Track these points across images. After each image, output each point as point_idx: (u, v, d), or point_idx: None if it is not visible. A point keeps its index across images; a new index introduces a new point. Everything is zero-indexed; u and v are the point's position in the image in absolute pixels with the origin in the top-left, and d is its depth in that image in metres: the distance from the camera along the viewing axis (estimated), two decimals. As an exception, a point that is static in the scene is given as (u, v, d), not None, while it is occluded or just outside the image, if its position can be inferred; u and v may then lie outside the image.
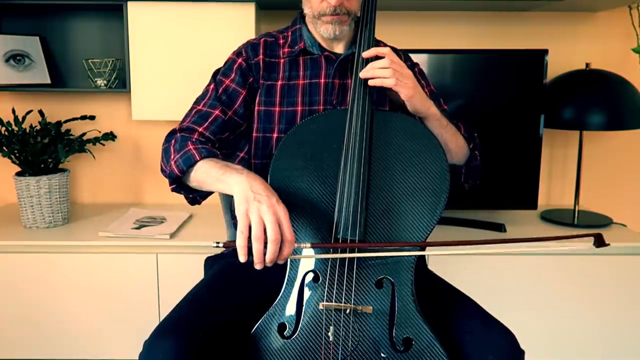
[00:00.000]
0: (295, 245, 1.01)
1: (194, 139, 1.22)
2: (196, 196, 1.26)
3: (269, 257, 0.98)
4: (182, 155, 1.17)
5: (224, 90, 1.30)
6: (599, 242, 1.05)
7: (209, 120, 1.27)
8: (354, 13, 1.27)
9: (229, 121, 1.29)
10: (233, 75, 1.31)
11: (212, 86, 1.32)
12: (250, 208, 0.99)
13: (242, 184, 1.03)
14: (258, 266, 0.98)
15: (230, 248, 1.00)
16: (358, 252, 1.09)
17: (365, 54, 1.21)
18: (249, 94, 1.32)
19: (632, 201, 2.37)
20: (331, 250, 1.10)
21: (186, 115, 1.30)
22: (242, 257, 0.97)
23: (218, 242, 1.03)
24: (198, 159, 1.16)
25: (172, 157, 1.20)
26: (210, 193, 1.24)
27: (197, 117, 1.27)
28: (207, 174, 1.13)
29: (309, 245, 1.06)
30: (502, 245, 1.09)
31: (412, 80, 1.19)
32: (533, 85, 2.03)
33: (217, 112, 1.28)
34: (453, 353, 1.08)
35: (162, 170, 1.25)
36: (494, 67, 2.06)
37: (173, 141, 1.23)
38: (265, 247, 0.98)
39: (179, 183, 1.23)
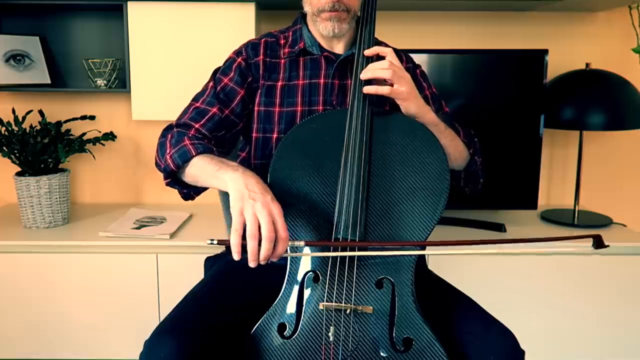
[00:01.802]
0: (290, 243, 1.01)
1: (190, 135, 1.22)
2: (190, 191, 1.26)
3: (263, 254, 0.97)
4: (178, 150, 1.18)
5: (222, 89, 1.31)
6: (598, 243, 1.05)
7: (206, 117, 1.27)
8: (353, 10, 1.27)
9: (226, 119, 1.29)
10: (232, 74, 1.32)
11: (210, 84, 1.33)
12: (245, 206, 0.99)
13: (237, 181, 1.04)
14: (252, 264, 0.98)
15: (224, 245, 1.00)
16: (354, 250, 1.08)
17: (367, 52, 1.21)
18: (248, 94, 1.32)
19: (632, 201, 2.37)
20: (331, 248, 1.10)
21: (184, 112, 1.30)
22: (235, 255, 0.97)
23: (212, 240, 1.03)
24: (194, 154, 1.16)
25: (167, 151, 1.20)
26: (204, 189, 1.24)
27: (195, 114, 1.28)
28: (202, 169, 1.14)
29: (302, 243, 1.06)
30: (501, 245, 1.09)
31: (409, 85, 1.19)
32: (533, 85, 2.03)
33: (214, 109, 1.28)
34: (453, 353, 1.08)
35: (157, 164, 1.25)
36: (494, 67, 2.06)
37: (169, 136, 1.23)
38: (259, 245, 0.98)
39: (173, 178, 1.23)
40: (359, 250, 1.09)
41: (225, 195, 1.60)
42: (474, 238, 1.91)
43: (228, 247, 0.98)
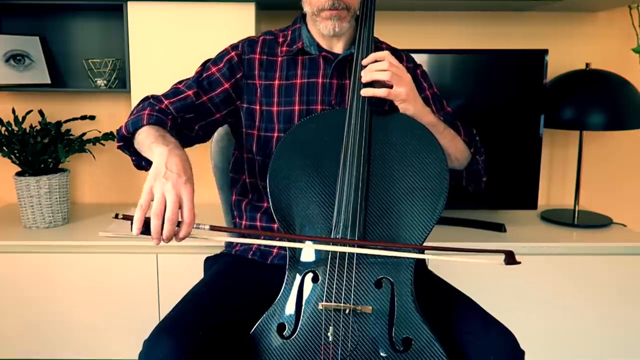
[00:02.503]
0: (195, 225, 1.00)
1: (156, 107, 1.24)
2: (141, 161, 1.27)
3: (165, 234, 0.97)
4: (135, 117, 1.21)
5: (208, 77, 1.33)
6: (509, 259, 1.03)
7: (179, 97, 1.29)
8: (353, 8, 1.27)
9: (200, 105, 1.31)
10: (221, 65, 1.34)
11: (198, 69, 1.36)
12: (156, 184, 1.00)
13: (160, 157, 1.04)
14: (154, 242, 0.98)
15: (128, 220, 0.99)
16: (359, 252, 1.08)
17: (365, 62, 1.21)
18: (234, 89, 1.33)
19: (632, 201, 2.37)
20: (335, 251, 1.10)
21: (167, 90, 1.33)
22: (135, 230, 0.97)
23: (117, 214, 1.03)
24: (144, 123, 1.18)
25: (129, 117, 1.23)
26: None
27: (171, 92, 1.31)
28: (144, 139, 1.15)
29: (207, 227, 1.03)
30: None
31: (408, 87, 1.19)
32: (533, 85, 2.03)
33: (189, 92, 1.30)
34: (453, 353, 1.08)
35: (119, 128, 1.27)
36: (494, 67, 2.06)
37: (140, 105, 1.27)
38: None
39: (126, 143, 1.24)
40: (355, 247, 1.08)
41: (225, 196, 1.61)
42: (474, 238, 1.94)
43: (132, 223, 0.98)
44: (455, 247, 1.04)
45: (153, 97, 1.30)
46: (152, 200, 0.99)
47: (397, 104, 1.19)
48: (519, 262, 1.03)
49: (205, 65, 1.36)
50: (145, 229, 0.97)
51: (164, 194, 0.98)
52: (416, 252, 1.08)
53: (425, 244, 1.10)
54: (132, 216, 0.98)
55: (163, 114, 1.23)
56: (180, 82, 1.35)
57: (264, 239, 1.28)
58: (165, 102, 1.28)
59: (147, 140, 1.13)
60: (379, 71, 1.17)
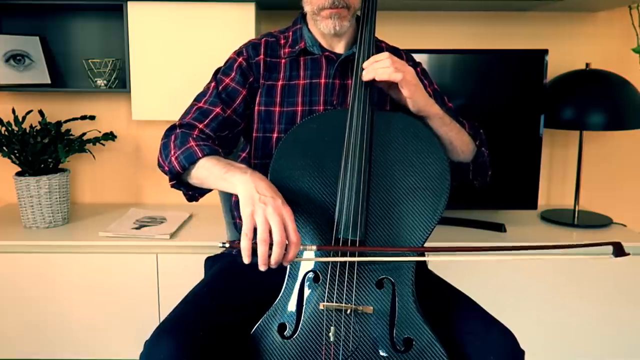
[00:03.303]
0: (301, 247, 1.01)
1: (194, 136, 1.20)
2: (195, 193, 1.26)
3: (274, 259, 0.97)
4: (184, 152, 1.16)
5: (224, 89, 1.30)
6: (618, 251, 1.03)
7: (210, 117, 1.26)
8: (353, 7, 1.27)
9: (228, 119, 1.28)
10: (233, 74, 1.31)
11: (212, 84, 1.32)
12: (256, 210, 0.98)
13: (246, 184, 1.03)
14: (262, 268, 0.98)
15: (235, 249, 0.99)
16: (361, 255, 1.09)
17: (365, 64, 1.19)
18: (249, 94, 1.32)
19: (632, 201, 2.37)
20: (337, 253, 1.10)
21: (186, 112, 1.29)
22: (246, 259, 0.97)
23: (224, 243, 1.02)
24: (200, 156, 1.15)
25: (172, 152, 1.18)
26: (208, 190, 1.23)
27: (198, 114, 1.26)
28: (209, 171, 1.13)
29: (314, 247, 1.05)
30: (502, 252, 1.07)
31: (415, 78, 1.18)
32: (533, 85, 2.03)
33: (217, 109, 1.27)
34: (453, 353, 1.08)
35: (160, 166, 1.24)
36: (494, 67, 2.06)
37: (173, 137, 1.22)
38: (270, 249, 0.97)
39: (178, 179, 1.22)
40: (363, 255, 1.08)
41: (225, 196, 1.60)
42: (474, 238, 1.94)
43: (238, 251, 0.98)
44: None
45: (181, 125, 1.25)
46: (255, 227, 0.98)
47: (405, 95, 1.16)
48: (628, 253, 1.03)
49: (217, 78, 1.32)
50: (253, 256, 0.97)
51: (266, 219, 0.97)
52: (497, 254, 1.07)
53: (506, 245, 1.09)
54: (237, 243, 0.98)
55: (206, 140, 1.20)
56: (198, 101, 1.30)
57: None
58: (200, 126, 1.24)
59: (214, 171, 1.11)
60: (382, 68, 1.16)
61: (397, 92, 1.18)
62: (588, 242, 1.05)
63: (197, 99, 1.31)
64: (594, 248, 1.07)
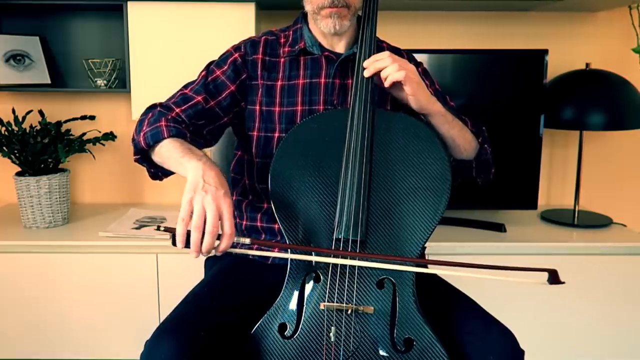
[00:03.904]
0: (235, 239, 1.02)
1: (169, 117, 1.24)
2: (157, 172, 1.28)
3: (204, 247, 0.98)
4: (152, 130, 1.19)
5: (213, 80, 1.32)
6: (553, 278, 1.04)
7: (189, 104, 1.28)
8: (353, 6, 1.27)
9: (210, 110, 1.30)
10: (225, 67, 1.33)
11: (203, 73, 1.34)
12: (195, 197, 1.00)
13: (196, 171, 1.05)
14: (194, 255, 0.99)
15: (170, 233, 1.00)
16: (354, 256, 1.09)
17: (366, 63, 1.20)
18: (239, 90, 1.32)
19: (632, 201, 2.37)
20: (336, 253, 1.10)
21: (172, 96, 1.32)
22: (179, 244, 0.98)
23: (159, 226, 1.04)
24: (165, 136, 1.18)
25: (143, 128, 1.22)
26: (172, 172, 1.24)
27: (180, 99, 1.30)
28: (170, 153, 1.15)
29: (248, 240, 1.05)
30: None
31: (417, 76, 1.18)
32: (533, 85, 2.03)
33: (199, 98, 1.29)
34: (454, 353, 1.08)
35: (132, 139, 1.27)
36: (494, 67, 2.07)
37: (150, 114, 1.26)
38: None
39: (143, 155, 1.24)
40: (351, 259, 1.08)
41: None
42: (474, 238, 1.94)
43: (173, 236, 0.99)
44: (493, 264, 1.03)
45: (161, 105, 1.29)
46: (192, 213, 0.99)
47: (407, 93, 1.16)
48: (563, 282, 1.05)
49: (209, 69, 1.34)
50: (186, 242, 0.98)
51: (203, 207, 0.99)
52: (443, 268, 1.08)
53: (456, 260, 1.09)
54: (174, 229, 0.99)
55: (178, 124, 1.23)
56: (185, 87, 1.33)
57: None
58: (177, 110, 1.27)
59: (174, 154, 1.13)
60: (382, 63, 1.16)
61: (399, 91, 1.18)
62: (523, 267, 1.05)
63: (185, 86, 1.34)
64: (529, 273, 1.06)
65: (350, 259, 1.08)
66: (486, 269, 1.03)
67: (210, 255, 1.03)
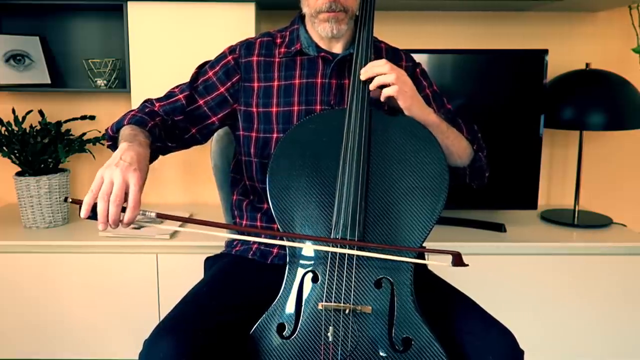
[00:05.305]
0: (140, 212, 1.04)
1: (146, 110, 1.29)
2: None
3: (110, 217, 1.00)
4: (120, 118, 1.26)
5: (204, 81, 1.35)
6: (456, 261, 1.05)
7: (170, 100, 1.34)
8: (351, 10, 1.27)
9: (195, 109, 1.34)
10: (217, 69, 1.35)
11: (194, 72, 1.38)
12: (106, 170, 1.03)
13: (119, 150, 1.08)
14: (100, 226, 1.01)
15: (77, 204, 1.02)
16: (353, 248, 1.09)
17: (363, 72, 1.20)
18: (230, 93, 1.34)
19: (632, 201, 2.37)
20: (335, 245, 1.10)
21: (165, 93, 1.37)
22: (83, 212, 1.00)
23: (66, 197, 1.08)
24: (125, 123, 1.23)
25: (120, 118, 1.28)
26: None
27: (165, 95, 1.36)
28: (121, 137, 1.18)
29: (154, 214, 1.07)
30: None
31: (411, 89, 1.19)
32: (533, 85, 2.03)
33: (181, 96, 1.34)
34: (452, 353, 1.08)
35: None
36: (494, 67, 2.07)
37: (137, 107, 1.33)
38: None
39: (114, 142, 1.27)
40: (355, 249, 1.09)
41: (225, 196, 1.61)
42: (474, 238, 1.94)
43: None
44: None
45: (148, 100, 1.35)
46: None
47: (401, 106, 1.18)
48: (467, 265, 1.06)
49: (202, 68, 1.38)
50: (93, 214, 1.01)
51: (111, 179, 1.02)
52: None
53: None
54: (80, 200, 1.01)
55: (149, 115, 1.27)
56: (177, 86, 1.38)
57: (263, 237, 1.29)
58: (157, 104, 1.33)
59: (122, 138, 1.17)
60: (380, 68, 1.17)
61: (394, 101, 1.19)
62: (432, 248, 1.08)
63: (178, 84, 1.38)
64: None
65: (349, 248, 1.08)
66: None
67: (118, 228, 1.04)
